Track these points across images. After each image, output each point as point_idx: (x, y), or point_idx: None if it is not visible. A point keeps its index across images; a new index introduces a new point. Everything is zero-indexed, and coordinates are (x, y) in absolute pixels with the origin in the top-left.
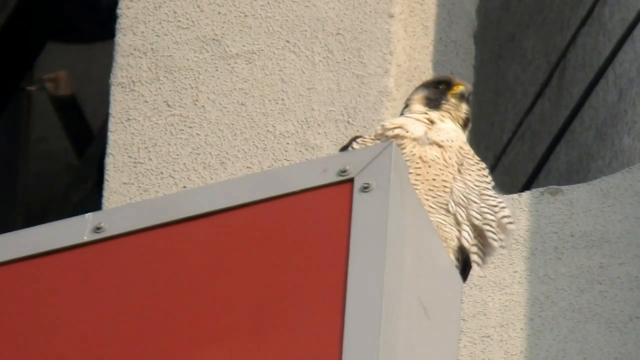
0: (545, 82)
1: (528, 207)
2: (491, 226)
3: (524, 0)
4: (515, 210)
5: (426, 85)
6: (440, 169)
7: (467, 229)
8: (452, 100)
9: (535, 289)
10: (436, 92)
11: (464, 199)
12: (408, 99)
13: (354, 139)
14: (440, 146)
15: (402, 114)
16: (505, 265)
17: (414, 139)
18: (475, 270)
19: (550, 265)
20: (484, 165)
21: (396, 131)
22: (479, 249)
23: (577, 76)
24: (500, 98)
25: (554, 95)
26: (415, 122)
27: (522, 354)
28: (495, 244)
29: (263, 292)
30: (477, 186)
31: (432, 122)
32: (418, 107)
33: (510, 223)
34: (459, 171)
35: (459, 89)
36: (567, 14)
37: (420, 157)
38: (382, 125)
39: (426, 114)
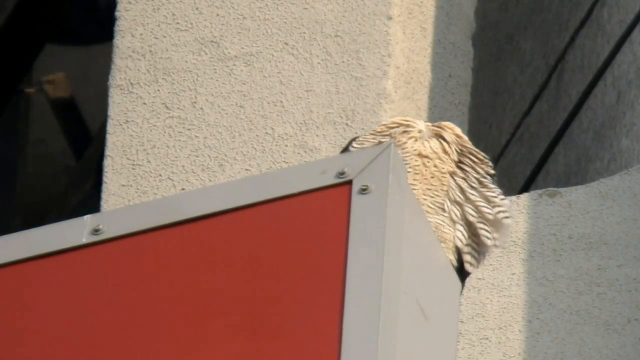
0: (544, 83)
1: (526, 209)
2: (485, 224)
3: (522, 2)
4: (514, 213)
5: None
6: (439, 162)
7: (461, 228)
8: None
9: (534, 291)
10: None
11: (460, 196)
12: None
13: (353, 139)
14: (440, 137)
15: None
16: (503, 267)
17: (419, 131)
18: (473, 272)
19: (548, 268)
20: (485, 155)
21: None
22: (473, 248)
23: (575, 78)
24: (498, 100)
25: (552, 97)
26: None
27: (520, 356)
28: (488, 242)
29: (261, 295)
30: (477, 173)
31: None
32: None
33: (507, 218)
34: (459, 161)
35: None
36: (565, 15)
37: (419, 153)
38: (392, 120)
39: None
